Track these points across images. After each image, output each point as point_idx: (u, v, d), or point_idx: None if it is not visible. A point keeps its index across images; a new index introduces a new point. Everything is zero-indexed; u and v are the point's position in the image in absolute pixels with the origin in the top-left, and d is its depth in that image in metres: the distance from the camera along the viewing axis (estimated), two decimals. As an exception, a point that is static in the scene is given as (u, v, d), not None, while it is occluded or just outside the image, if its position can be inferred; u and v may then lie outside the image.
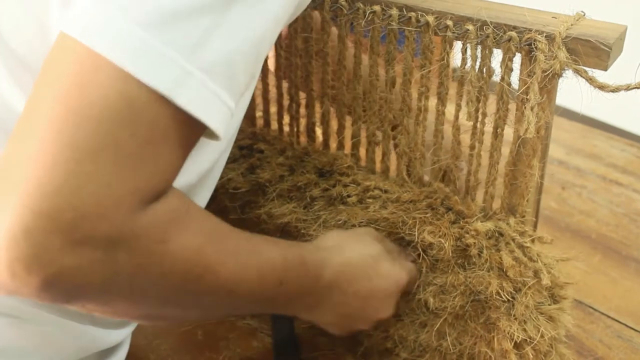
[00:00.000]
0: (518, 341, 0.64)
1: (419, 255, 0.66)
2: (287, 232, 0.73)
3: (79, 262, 0.42)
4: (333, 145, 0.78)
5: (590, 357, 0.77)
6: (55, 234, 0.41)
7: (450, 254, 0.64)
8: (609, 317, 0.83)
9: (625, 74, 0.61)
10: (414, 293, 0.68)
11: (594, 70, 0.58)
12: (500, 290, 0.62)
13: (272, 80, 0.80)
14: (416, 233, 0.65)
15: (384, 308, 0.66)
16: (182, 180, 0.54)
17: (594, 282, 0.87)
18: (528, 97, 0.58)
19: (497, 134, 0.64)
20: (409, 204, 0.67)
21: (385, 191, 0.70)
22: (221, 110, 0.48)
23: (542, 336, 0.64)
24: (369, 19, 0.66)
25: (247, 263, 0.54)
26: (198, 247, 0.49)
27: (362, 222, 0.68)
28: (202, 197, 0.67)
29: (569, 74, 0.59)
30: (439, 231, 0.64)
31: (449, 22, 0.62)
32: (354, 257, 0.64)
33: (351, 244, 0.66)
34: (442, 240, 0.63)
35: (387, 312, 0.66)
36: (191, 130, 0.48)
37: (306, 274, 0.61)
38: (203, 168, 0.63)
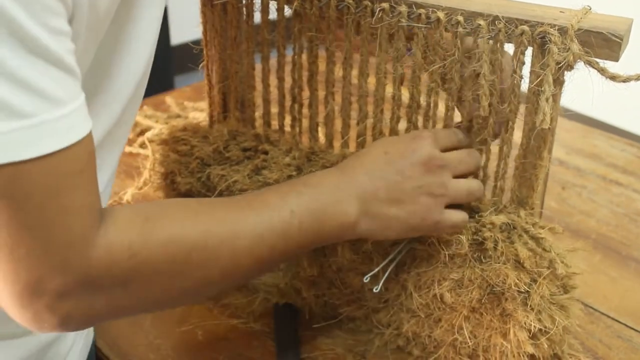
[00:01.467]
0: (534, 331, 0.65)
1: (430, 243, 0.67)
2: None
3: (74, 311, 0.51)
4: (336, 144, 0.78)
5: (590, 357, 0.77)
6: (38, 303, 0.50)
7: (467, 248, 0.64)
8: (609, 317, 0.83)
9: (628, 68, 0.63)
10: (428, 288, 0.68)
11: (604, 61, 0.59)
12: (517, 282, 0.62)
13: (273, 81, 0.79)
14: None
15: (417, 139, 0.64)
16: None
17: (594, 282, 0.88)
18: (543, 89, 0.59)
19: (507, 127, 0.65)
20: None
21: (396, 188, 0.70)
22: (56, 125, 0.47)
23: (556, 326, 0.65)
24: (378, 16, 0.66)
25: (238, 219, 0.57)
26: (168, 239, 0.54)
27: None
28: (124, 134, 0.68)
29: (578, 66, 0.61)
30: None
31: (460, 18, 0.63)
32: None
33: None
34: (460, 236, 0.64)
35: (425, 141, 0.64)
36: (61, 160, 0.48)
37: (319, 190, 0.61)
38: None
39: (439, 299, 0.67)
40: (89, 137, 0.50)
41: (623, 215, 1.01)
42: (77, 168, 0.49)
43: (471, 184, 0.65)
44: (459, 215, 0.64)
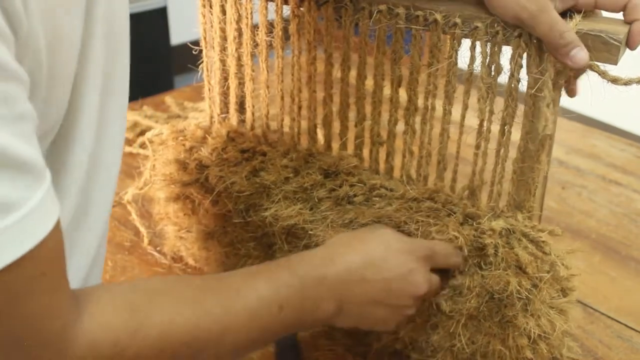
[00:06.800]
0: (534, 337, 0.64)
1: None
2: (293, 234, 0.72)
3: None
4: (335, 146, 0.77)
5: (590, 357, 0.77)
6: None
7: (467, 253, 0.64)
8: (609, 317, 0.83)
9: (627, 68, 0.63)
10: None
11: (604, 65, 0.59)
12: (519, 288, 0.62)
13: (272, 82, 0.79)
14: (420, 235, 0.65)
15: (413, 276, 0.64)
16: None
17: (594, 282, 0.87)
18: (543, 94, 0.59)
19: (504, 132, 0.64)
20: (412, 202, 0.67)
21: (391, 190, 0.70)
22: (6, 236, 0.42)
23: (555, 330, 0.64)
24: (375, 18, 0.66)
25: (228, 311, 0.56)
26: (157, 335, 0.52)
27: (368, 220, 0.67)
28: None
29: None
30: (446, 233, 0.64)
31: (458, 20, 0.62)
32: (363, 241, 0.64)
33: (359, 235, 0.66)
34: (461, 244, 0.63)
35: (421, 279, 0.64)
36: (17, 270, 0.43)
37: (305, 284, 0.60)
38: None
39: (435, 307, 0.67)
40: (54, 230, 0.45)
41: (623, 215, 1.01)
42: (39, 271, 0.45)
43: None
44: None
